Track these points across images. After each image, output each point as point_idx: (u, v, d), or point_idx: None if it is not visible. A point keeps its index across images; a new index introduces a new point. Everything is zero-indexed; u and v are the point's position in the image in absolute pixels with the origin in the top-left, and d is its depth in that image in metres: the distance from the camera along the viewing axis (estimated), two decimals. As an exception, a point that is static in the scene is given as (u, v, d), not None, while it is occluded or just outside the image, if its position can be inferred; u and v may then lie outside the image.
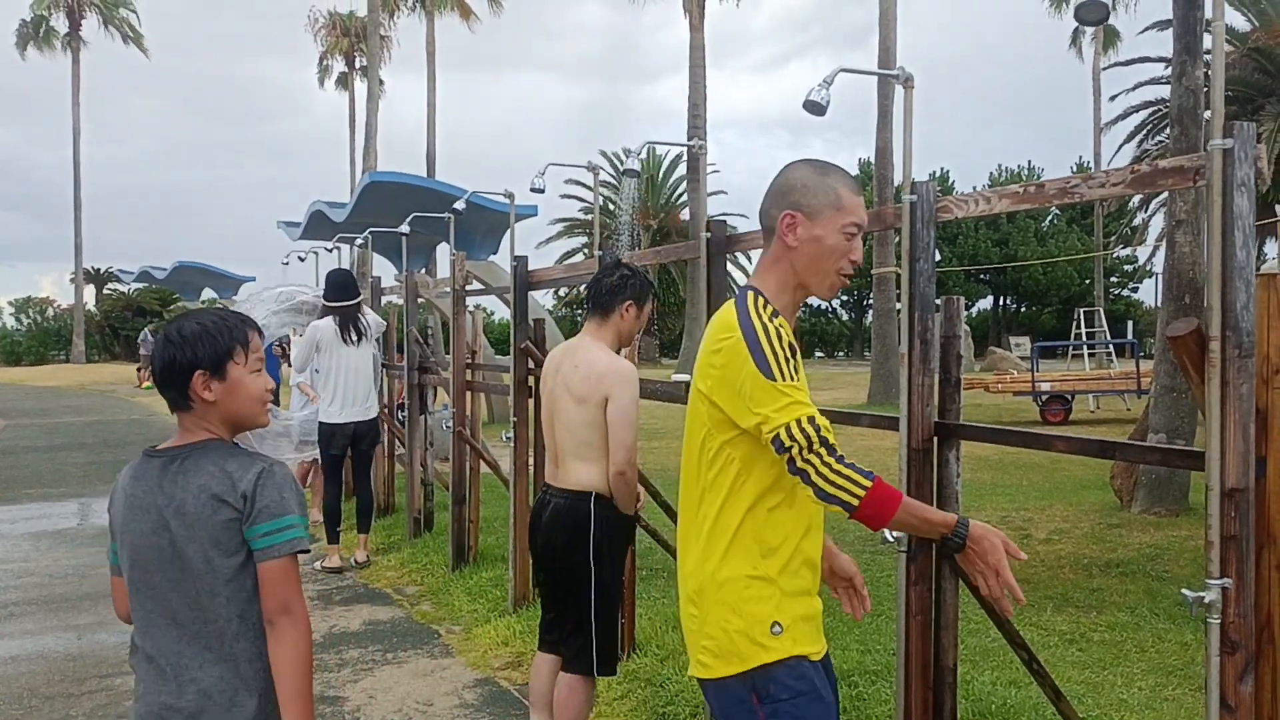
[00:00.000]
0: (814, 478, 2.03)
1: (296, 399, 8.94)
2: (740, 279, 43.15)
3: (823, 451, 2.03)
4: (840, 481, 2.03)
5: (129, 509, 2.16)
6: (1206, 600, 2.49)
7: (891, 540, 3.37)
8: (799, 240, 2.19)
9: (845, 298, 51.77)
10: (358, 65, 42.91)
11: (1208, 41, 25.07)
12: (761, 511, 2.18)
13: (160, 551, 2.11)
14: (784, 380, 2.06)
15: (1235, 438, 2.49)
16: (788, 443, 2.02)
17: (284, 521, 2.10)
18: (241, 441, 2.33)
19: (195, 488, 2.09)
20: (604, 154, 40.74)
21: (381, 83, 41.21)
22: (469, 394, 7.52)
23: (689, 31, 30.56)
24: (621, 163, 42.78)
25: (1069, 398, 17.52)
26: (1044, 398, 17.29)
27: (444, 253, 17.06)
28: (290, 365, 8.64)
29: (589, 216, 43.97)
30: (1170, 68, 9.30)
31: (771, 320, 2.13)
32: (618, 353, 4.03)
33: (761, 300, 2.18)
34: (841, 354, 55.21)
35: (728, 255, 4.62)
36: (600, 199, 35.76)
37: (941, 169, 52.37)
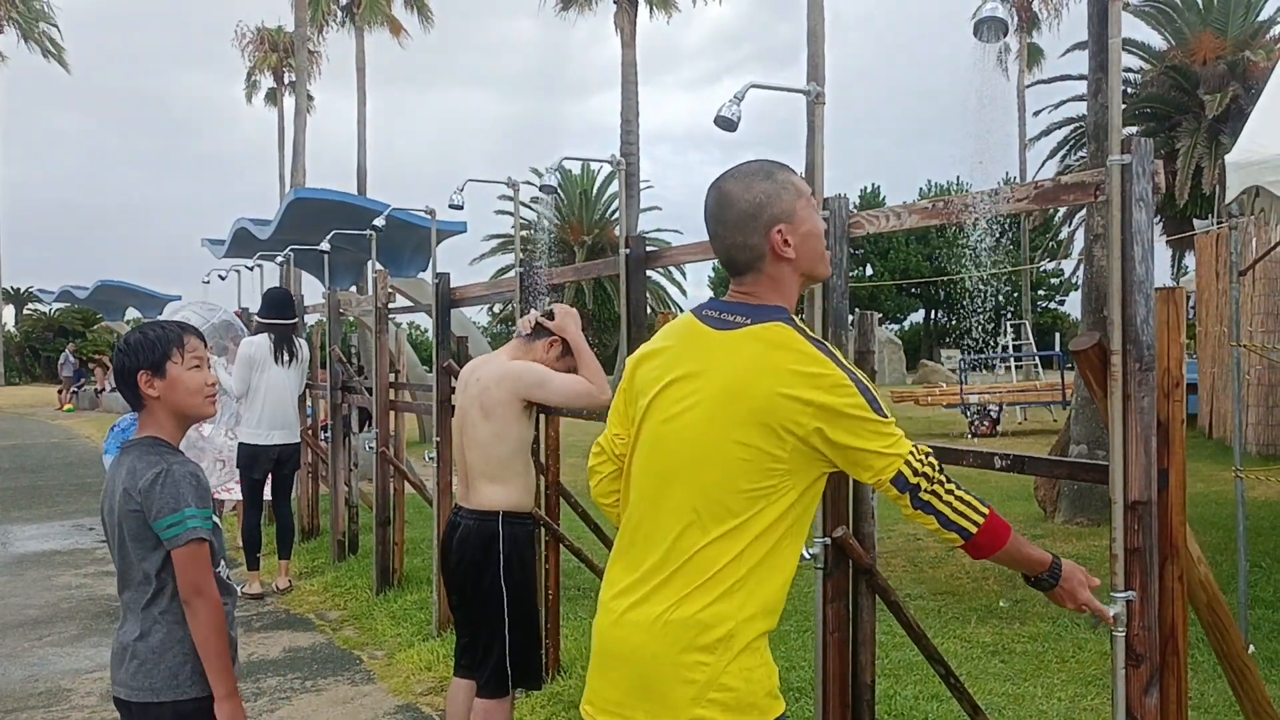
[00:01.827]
0: (939, 506, 2.00)
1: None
2: (675, 293, 43.30)
3: (942, 479, 2.02)
4: (963, 509, 2.02)
5: (103, 493, 2.70)
6: (1111, 613, 2.49)
7: (808, 557, 3.34)
8: (795, 247, 2.08)
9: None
10: (286, 81, 42.38)
11: (1124, 59, 25.65)
12: (780, 553, 2.05)
13: (111, 529, 2.62)
14: (890, 418, 2.03)
15: (1137, 451, 2.50)
16: (913, 479, 1.99)
17: (180, 515, 2.51)
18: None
19: (121, 480, 2.56)
20: (535, 170, 40.68)
21: (311, 98, 40.79)
22: (392, 413, 7.41)
23: (620, 48, 30.65)
24: (558, 179, 42.77)
25: (997, 409, 17.77)
26: (972, 410, 17.52)
27: (410, 265, 16.86)
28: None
29: (523, 232, 43.86)
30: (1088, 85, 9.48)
31: (852, 365, 2.06)
32: None
33: (809, 327, 2.12)
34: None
35: (660, 269, 4.61)
36: (533, 214, 35.51)
37: (874, 184, 53.09)
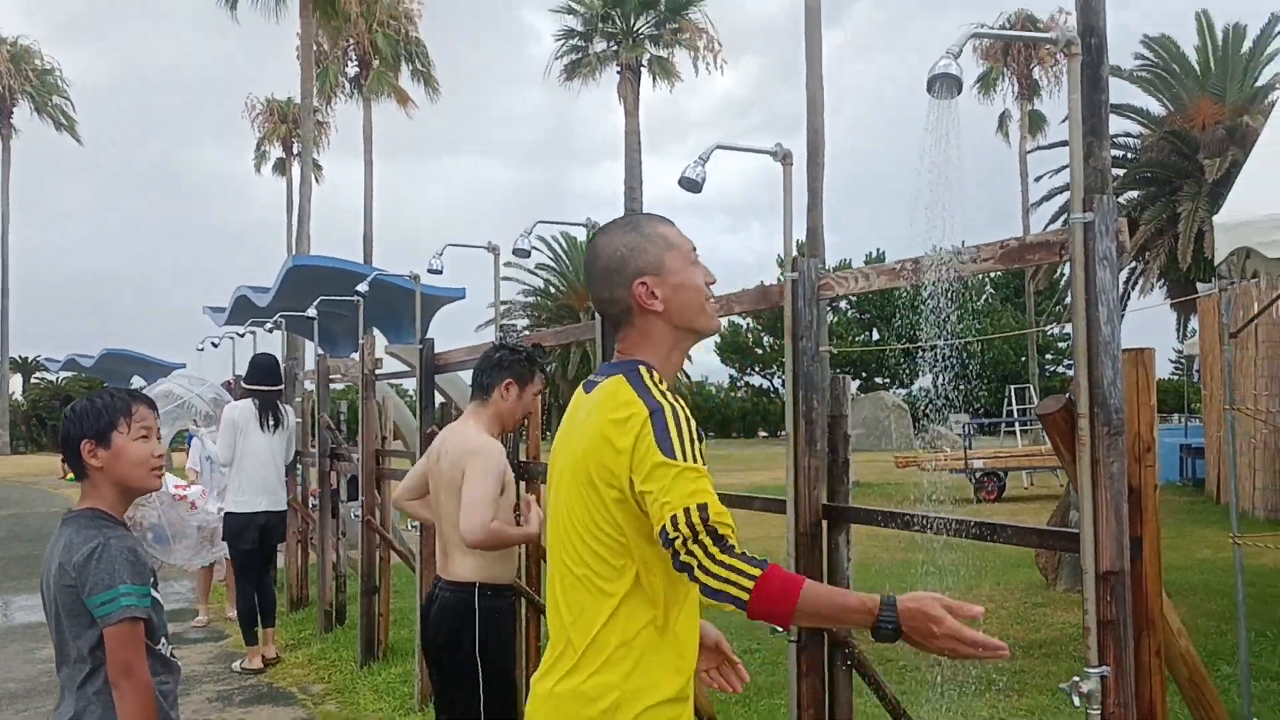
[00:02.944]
0: (698, 573, 1.79)
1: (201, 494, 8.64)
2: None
3: (707, 541, 1.79)
4: (725, 574, 1.77)
5: (43, 567, 2.58)
6: (1085, 690, 2.38)
7: (781, 630, 3.22)
8: (663, 300, 2.02)
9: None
10: (295, 151, 42.90)
11: (1117, 124, 25.69)
12: (666, 618, 1.94)
13: (48, 604, 2.53)
14: (685, 461, 1.84)
15: (1108, 518, 2.41)
16: (672, 534, 1.79)
17: (114, 593, 2.41)
18: (156, 552, 2.56)
19: (58, 553, 2.49)
20: (541, 238, 40.90)
21: (319, 168, 41.29)
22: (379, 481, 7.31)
23: (624, 117, 30.99)
24: (562, 245, 43.06)
25: (1002, 475, 17.58)
26: (978, 474, 17.34)
27: (410, 332, 16.79)
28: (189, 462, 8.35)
29: (529, 299, 44.00)
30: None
31: (677, 400, 1.96)
32: (504, 433, 3.92)
33: (656, 375, 2.00)
34: (784, 433, 55.30)
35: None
36: (539, 281, 35.62)
37: (878, 249, 53.30)
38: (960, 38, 2.34)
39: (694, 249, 2.09)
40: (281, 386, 7.67)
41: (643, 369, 2.00)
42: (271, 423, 7.41)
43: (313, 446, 8.58)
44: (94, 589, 2.42)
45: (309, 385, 9.68)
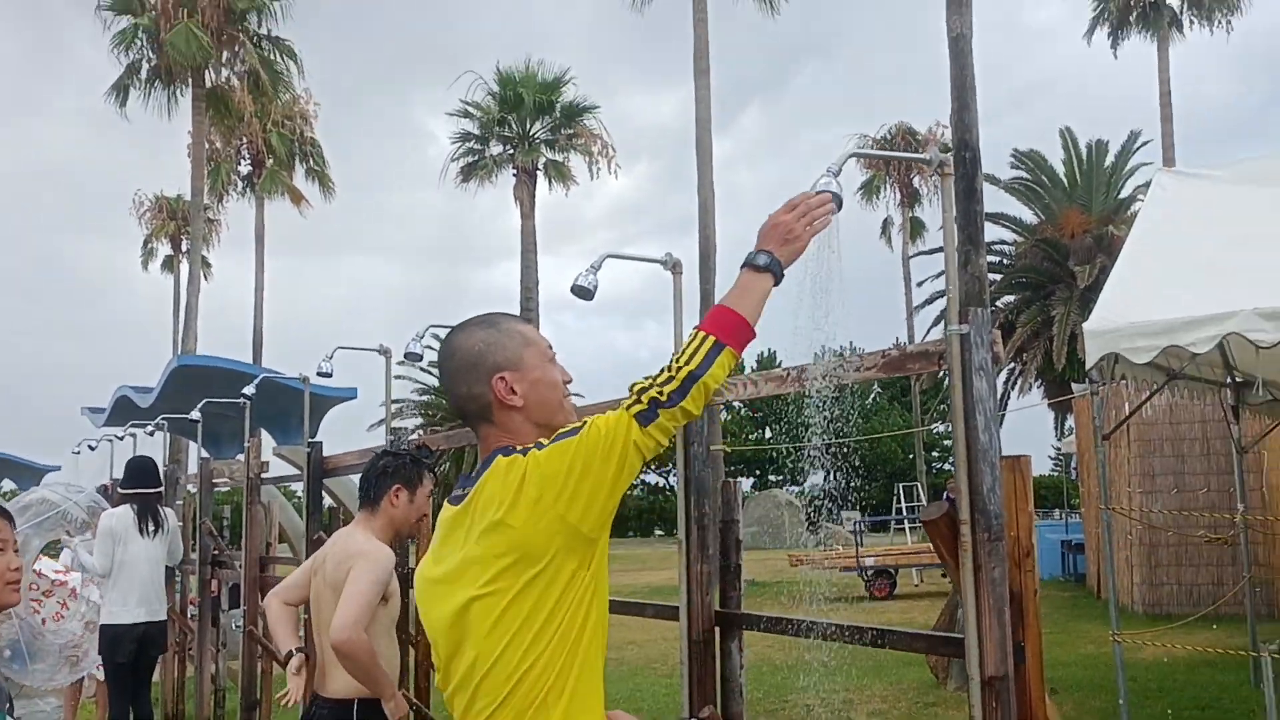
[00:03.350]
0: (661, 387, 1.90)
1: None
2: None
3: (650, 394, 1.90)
4: (684, 362, 1.91)
5: None
6: (972, 796, 2.40)
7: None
8: (522, 395, 2.00)
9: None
10: (184, 248, 42.13)
11: (995, 231, 26.81)
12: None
13: None
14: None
15: (991, 625, 2.46)
16: (627, 400, 1.90)
17: None
18: (11, 672, 2.44)
19: None
20: (436, 336, 40.63)
21: (209, 265, 40.52)
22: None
23: (520, 219, 31.26)
24: (456, 345, 42.78)
25: (893, 571, 17.81)
26: (869, 572, 17.53)
27: (300, 432, 16.30)
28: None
29: (423, 397, 43.49)
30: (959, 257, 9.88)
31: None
32: (394, 541, 3.83)
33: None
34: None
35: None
36: (434, 380, 35.17)
37: (770, 349, 54.28)
38: (840, 157, 2.44)
39: (550, 347, 2.11)
40: (160, 489, 7.39)
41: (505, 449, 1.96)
42: (151, 527, 7.12)
43: (193, 553, 8.27)
44: None
45: (191, 489, 9.38)
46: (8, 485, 36.12)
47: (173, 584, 8.33)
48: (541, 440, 1.93)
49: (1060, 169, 27.28)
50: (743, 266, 2.04)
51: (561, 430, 1.92)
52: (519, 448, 1.94)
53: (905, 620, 13.03)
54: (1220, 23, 27.05)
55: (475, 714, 1.91)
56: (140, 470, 7.25)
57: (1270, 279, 5.39)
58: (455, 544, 1.96)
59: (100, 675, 7.61)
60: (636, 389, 1.92)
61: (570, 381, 2.12)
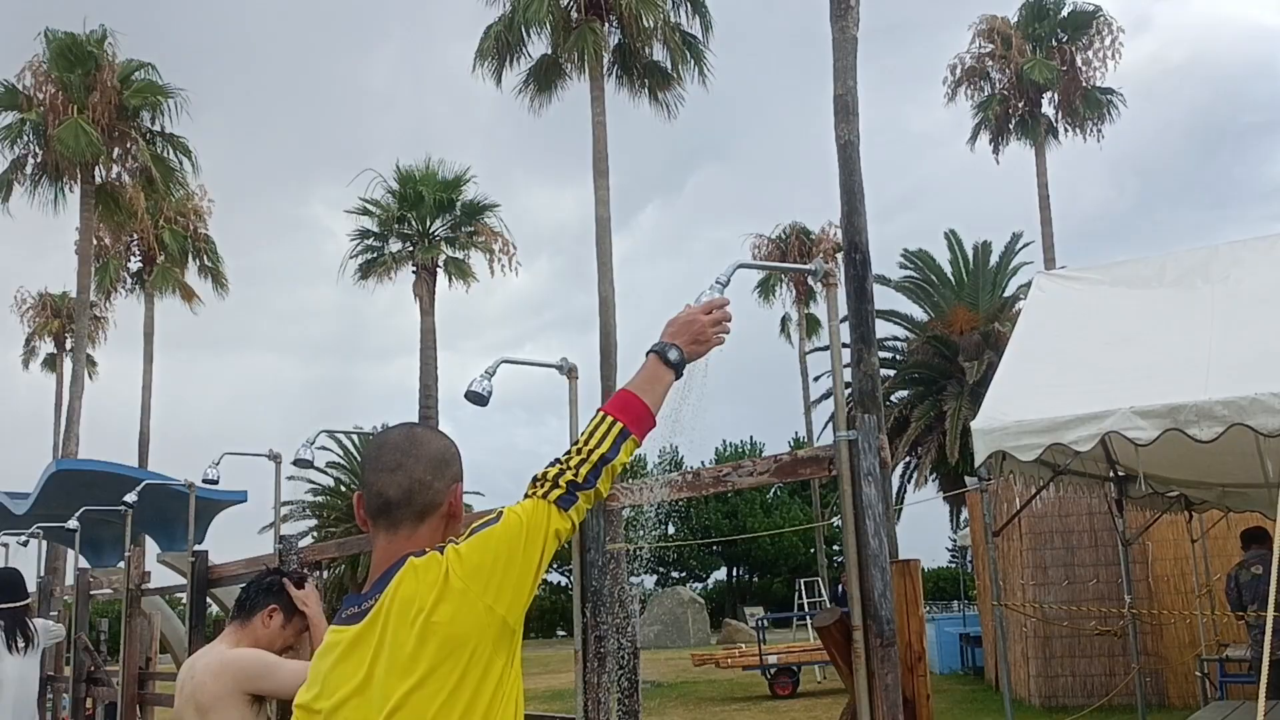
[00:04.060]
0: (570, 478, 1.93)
1: None
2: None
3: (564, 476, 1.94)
4: (590, 448, 1.95)
5: None
6: None
7: None
8: (456, 514, 2.00)
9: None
10: (68, 346, 40.81)
11: (882, 329, 27.47)
12: None
13: None
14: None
15: (886, 729, 2.46)
16: (533, 486, 1.94)
17: None
18: None
19: None
20: (330, 434, 39.85)
21: (95, 364, 39.34)
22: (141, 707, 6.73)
23: (420, 316, 31.09)
24: (354, 443, 42.02)
25: (796, 669, 17.74)
26: (772, 670, 17.43)
27: (180, 537, 15.70)
28: None
29: (318, 498, 42.45)
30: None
31: None
32: None
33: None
34: (582, 633, 54.40)
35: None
36: (330, 480, 34.44)
37: (673, 444, 54.47)
38: (728, 268, 2.49)
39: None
40: (27, 601, 7.01)
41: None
42: (21, 643, 6.73)
43: (67, 669, 7.85)
44: None
45: (68, 599, 8.94)
46: None
47: (44, 702, 7.88)
48: (452, 538, 1.90)
49: (948, 268, 28.27)
50: (651, 353, 2.09)
51: (476, 523, 1.91)
52: (428, 550, 1.89)
53: (810, 719, 12.95)
54: (1092, 130, 28.54)
55: None
56: (5, 584, 6.88)
57: (1145, 377, 5.63)
58: (358, 662, 1.84)
59: None
60: (551, 475, 1.94)
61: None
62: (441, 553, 1.87)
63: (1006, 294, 27.54)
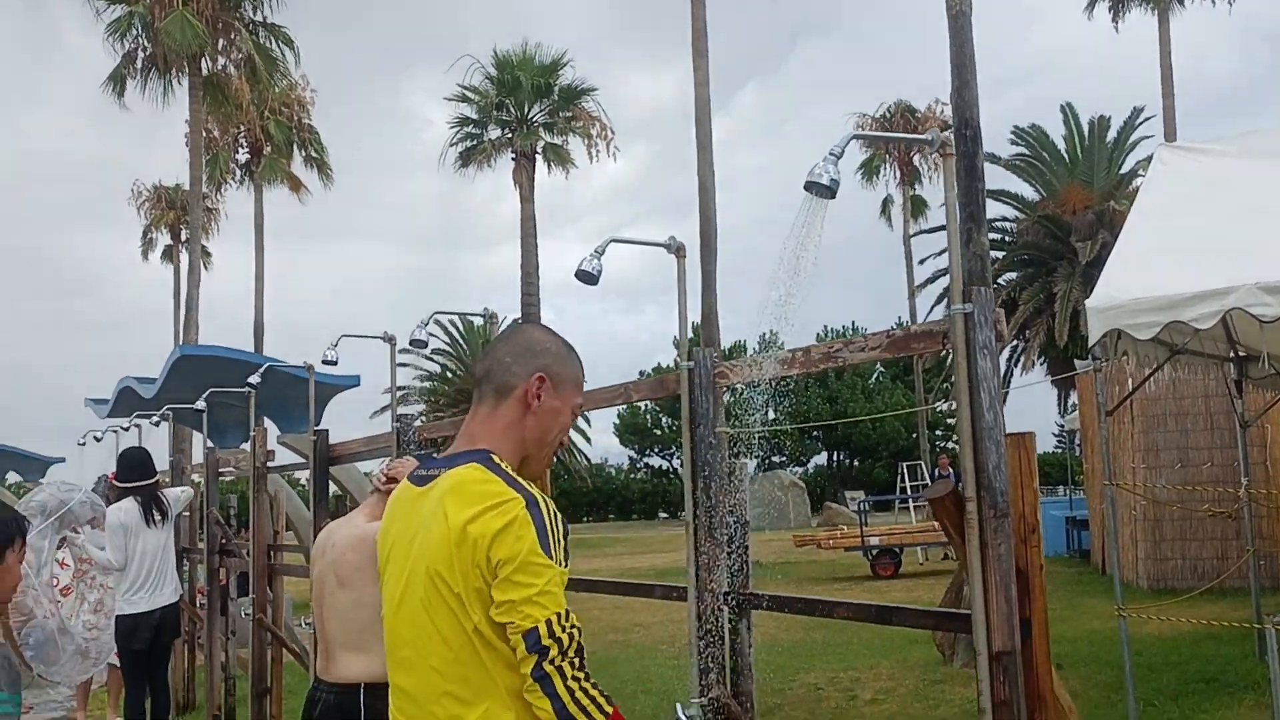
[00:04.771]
0: (559, 688, 1.76)
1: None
2: (579, 440, 43.19)
3: (576, 660, 1.79)
4: (586, 703, 1.77)
5: None
6: (982, 771, 2.42)
7: (684, 719, 3.20)
8: (541, 406, 2.02)
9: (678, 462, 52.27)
10: (183, 238, 42.08)
11: (995, 209, 26.71)
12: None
13: None
14: (556, 563, 1.82)
15: (998, 600, 2.48)
16: (546, 639, 1.76)
17: None
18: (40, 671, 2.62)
19: None
20: (439, 323, 40.62)
21: (209, 254, 40.48)
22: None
23: (520, 203, 31.23)
24: (459, 330, 42.82)
25: (898, 551, 17.84)
26: (874, 552, 17.57)
27: (301, 420, 16.29)
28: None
29: (425, 384, 43.54)
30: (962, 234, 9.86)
31: (545, 494, 1.93)
32: None
33: (511, 467, 1.96)
34: (684, 514, 55.37)
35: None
36: (435, 366, 35.26)
37: (772, 330, 54.21)
38: (842, 140, 2.45)
39: (581, 409, 2.15)
40: (157, 478, 7.41)
41: (495, 457, 1.97)
42: (157, 517, 7.15)
43: (201, 542, 8.31)
44: None
45: (197, 479, 9.41)
46: (13, 478, 36.22)
47: (181, 572, 8.37)
48: (531, 492, 1.90)
49: (1061, 145, 27.22)
50: None
51: (546, 539, 1.83)
52: (511, 472, 1.94)
53: (910, 599, 13.07)
54: (1221, -5, 26.88)
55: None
56: (135, 463, 7.28)
57: (1273, 253, 5.39)
58: (419, 528, 1.95)
59: (115, 662, 7.66)
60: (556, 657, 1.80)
61: (565, 444, 2.14)
62: (508, 478, 1.91)
63: (1123, 171, 26.48)
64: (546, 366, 2.05)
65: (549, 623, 1.77)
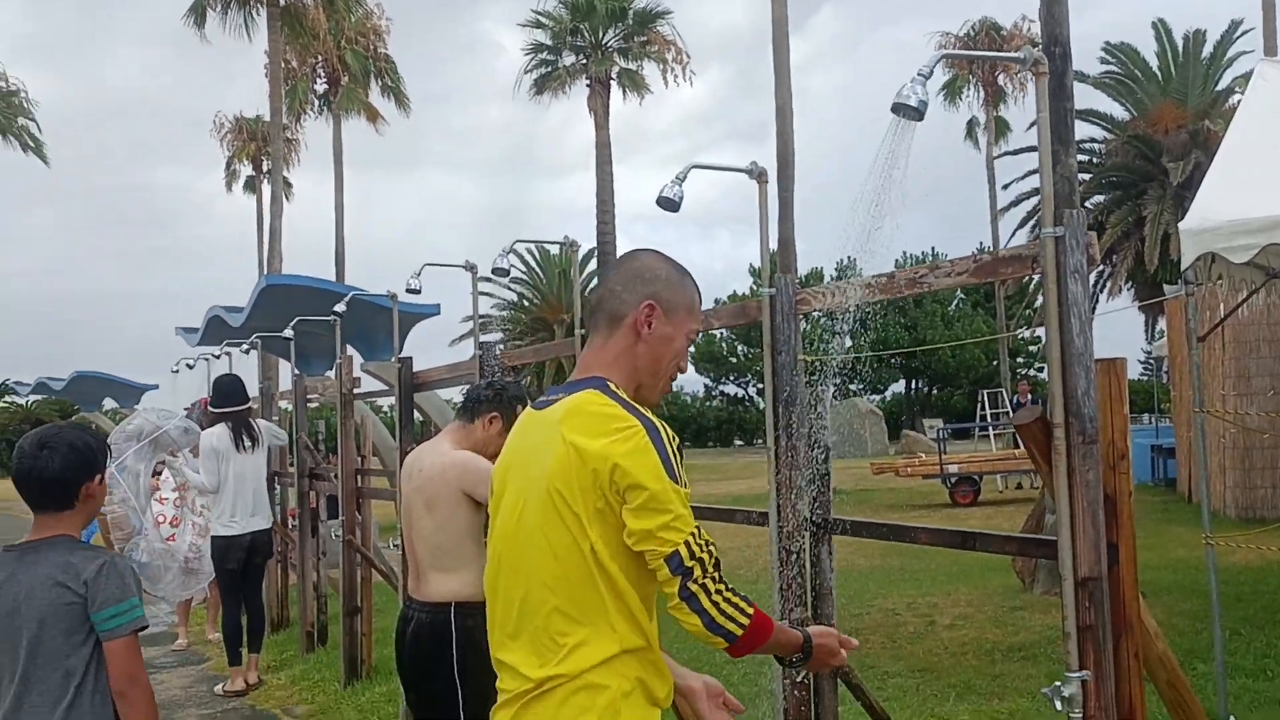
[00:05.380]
0: (705, 604, 1.86)
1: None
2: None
3: (716, 574, 1.89)
4: (730, 611, 1.88)
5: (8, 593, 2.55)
6: (1066, 694, 2.43)
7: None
8: (652, 334, 2.05)
9: (761, 385, 52.21)
10: (265, 169, 42.66)
11: (1083, 129, 25.89)
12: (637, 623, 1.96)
13: (12, 632, 2.53)
14: (681, 485, 1.91)
15: (1085, 525, 2.46)
16: (688, 561, 1.85)
17: (129, 604, 2.56)
18: (146, 588, 2.68)
19: (43, 576, 2.52)
20: (515, 252, 40.79)
21: (289, 185, 41.03)
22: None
23: (594, 130, 31.06)
24: (536, 259, 43.02)
25: (977, 479, 17.70)
26: (953, 479, 17.45)
27: (383, 349, 16.63)
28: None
29: (503, 312, 43.94)
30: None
31: (657, 418, 1.98)
32: None
33: (627, 394, 2.01)
34: (760, 441, 55.51)
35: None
36: (512, 295, 35.52)
37: (849, 257, 53.51)
38: (931, 60, 2.40)
39: (699, 333, 2.19)
40: (249, 404, 7.64)
41: (611, 384, 2.01)
42: (248, 442, 7.38)
43: (291, 466, 8.56)
44: (106, 602, 2.53)
45: (285, 405, 9.65)
46: (109, 404, 37.54)
47: (272, 495, 8.65)
48: (649, 417, 1.94)
49: (1154, 61, 26.18)
50: (805, 636, 2.09)
51: (671, 464, 1.91)
52: (628, 399, 1.98)
53: (989, 526, 13.00)
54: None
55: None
56: (228, 389, 7.50)
57: (1380, 172, 5.17)
58: (537, 450, 2.01)
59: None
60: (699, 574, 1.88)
61: (683, 371, 2.15)
62: (626, 404, 1.95)
63: (1219, 88, 25.40)
64: (656, 293, 2.07)
65: (687, 544, 1.87)
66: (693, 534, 1.88)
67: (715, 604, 1.86)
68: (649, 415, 1.95)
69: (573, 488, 1.91)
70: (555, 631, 1.93)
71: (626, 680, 1.91)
